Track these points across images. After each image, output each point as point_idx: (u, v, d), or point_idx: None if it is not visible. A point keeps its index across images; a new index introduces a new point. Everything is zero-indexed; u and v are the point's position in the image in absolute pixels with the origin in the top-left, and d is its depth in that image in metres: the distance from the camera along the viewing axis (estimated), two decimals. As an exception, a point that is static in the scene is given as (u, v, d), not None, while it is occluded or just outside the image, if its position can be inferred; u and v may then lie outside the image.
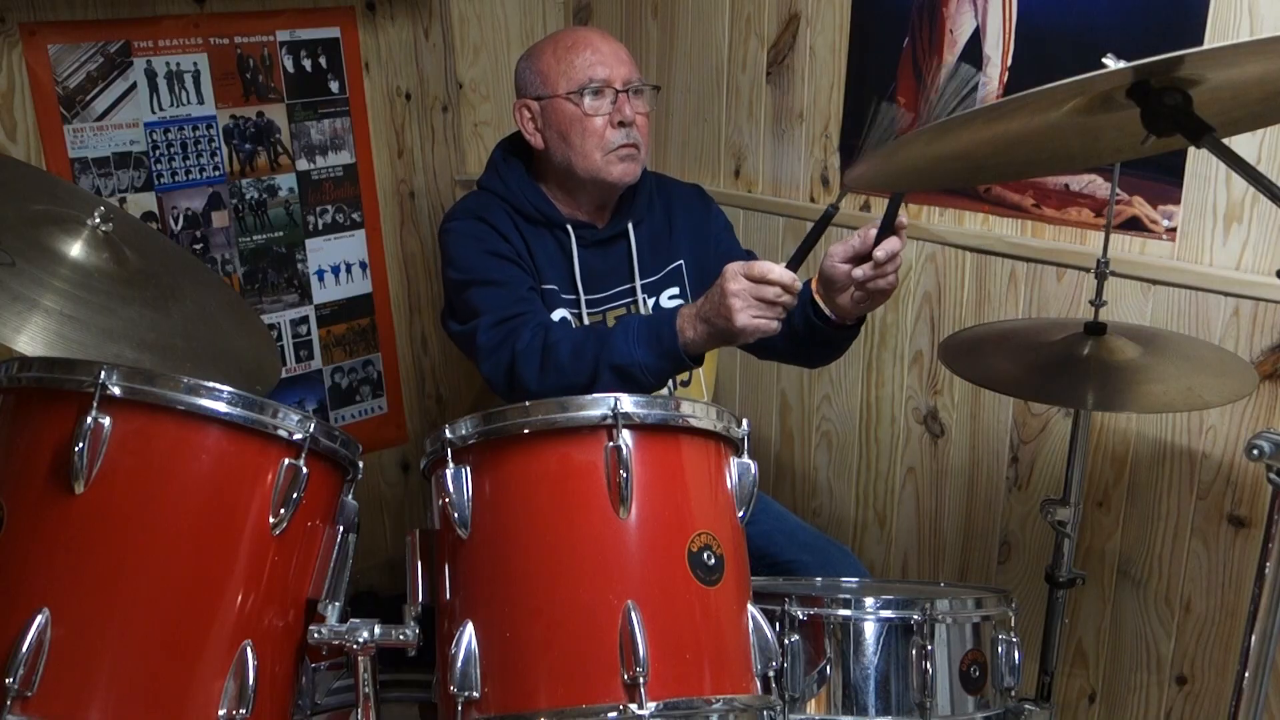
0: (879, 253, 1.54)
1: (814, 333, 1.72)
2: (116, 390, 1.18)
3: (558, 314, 1.84)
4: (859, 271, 1.57)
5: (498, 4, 2.73)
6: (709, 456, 1.31)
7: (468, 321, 1.78)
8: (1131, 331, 1.62)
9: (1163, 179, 1.76)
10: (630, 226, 1.89)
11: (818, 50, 2.22)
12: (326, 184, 2.52)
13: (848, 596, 1.49)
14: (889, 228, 1.54)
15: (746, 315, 1.50)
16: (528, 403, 1.25)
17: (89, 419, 1.16)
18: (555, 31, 1.94)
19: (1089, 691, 2.04)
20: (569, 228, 1.85)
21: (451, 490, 1.26)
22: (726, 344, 1.59)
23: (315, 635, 1.25)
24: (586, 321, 1.86)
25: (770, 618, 1.34)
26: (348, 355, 2.64)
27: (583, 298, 1.85)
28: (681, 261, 1.93)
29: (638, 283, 1.89)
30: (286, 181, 2.46)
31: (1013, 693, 1.53)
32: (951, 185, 2.01)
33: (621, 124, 1.79)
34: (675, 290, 1.92)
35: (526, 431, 1.25)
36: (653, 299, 1.90)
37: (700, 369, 1.89)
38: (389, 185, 2.63)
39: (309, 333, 2.57)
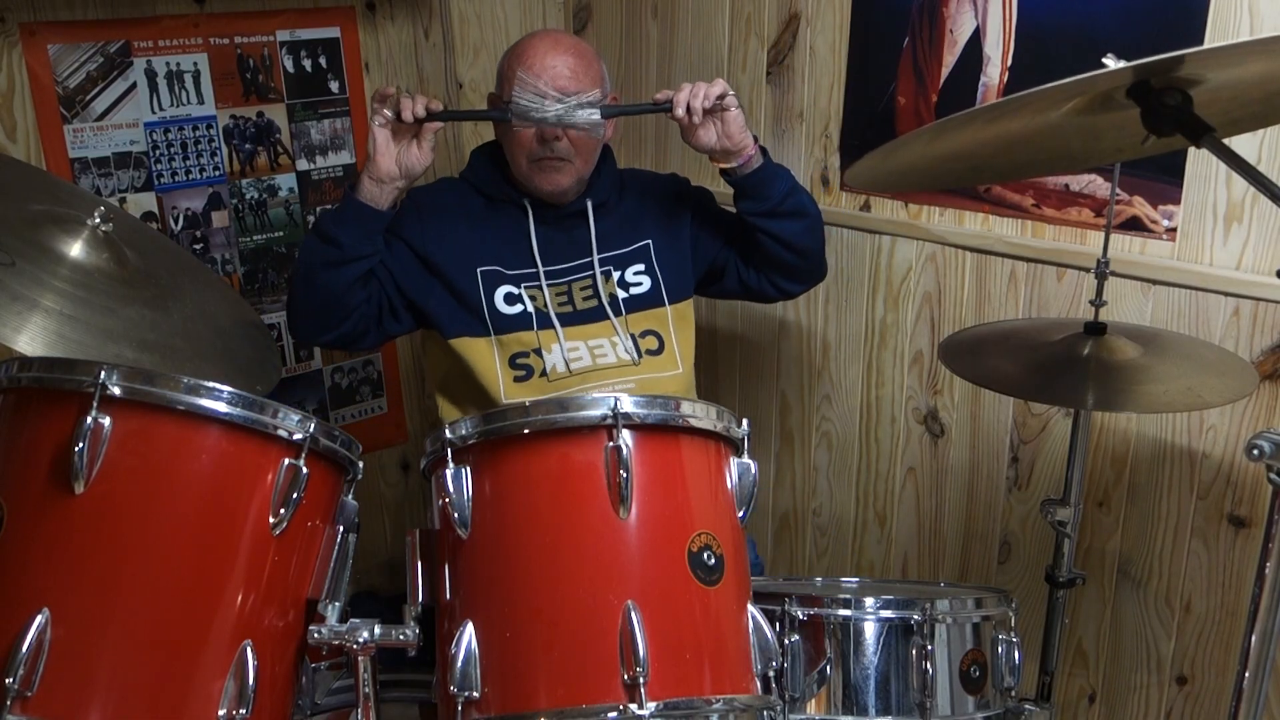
0: (678, 114, 1.77)
1: (742, 193, 1.87)
2: (116, 390, 1.18)
3: (502, 290, 1.88)
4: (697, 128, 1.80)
5: (498, 4, 2.73)
6: (709, 456, 1.31)
7: None
8: (1131, 331, 1.62)
9: (1163, 179, 1.76)
10: (590, 205, 1.93)
11: (818, 50, 2.22)
12: (327, 184, 2.52)
13: (848, 596, 1.49)
14: (652, 107, 1.80)
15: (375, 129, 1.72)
16: (528, 403, 1.25)
17: (89, 419, 1.16)
18: (531, 33, 1.95)
19: (1089, 691, 2.04)
20: (526, 204, 1.91)
21: (451, 490, 1.26)
22: (373, 171, 1.74)
23: (315, 635, 1.25)
24: (548, 295, 1.89)
25: (770, 618, 1.34)
26: (347, 355, 2.63)
27: (541, 269, 1.90)
28: (649, 241, 1.97)
29: (595, 257, 1.92)
30: (286, 181, 2.46)
31: (1013, 693, 1.53)
32: (952, 185, 2.01)
33: (543, 140, 1.82)
34: (641, 266, 1.96)
35: (526, 431, 1.25)
36: (618, 273, 1.95)
37: (674, 337, 1.94)
38: (389, 185, 2.62)
39: (309, 333, 2.57)
